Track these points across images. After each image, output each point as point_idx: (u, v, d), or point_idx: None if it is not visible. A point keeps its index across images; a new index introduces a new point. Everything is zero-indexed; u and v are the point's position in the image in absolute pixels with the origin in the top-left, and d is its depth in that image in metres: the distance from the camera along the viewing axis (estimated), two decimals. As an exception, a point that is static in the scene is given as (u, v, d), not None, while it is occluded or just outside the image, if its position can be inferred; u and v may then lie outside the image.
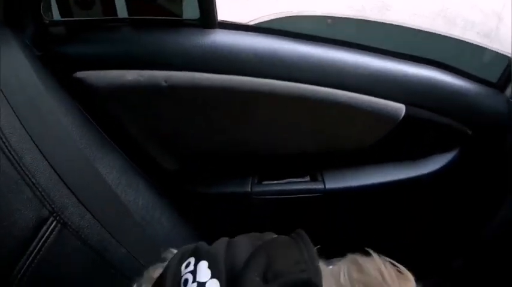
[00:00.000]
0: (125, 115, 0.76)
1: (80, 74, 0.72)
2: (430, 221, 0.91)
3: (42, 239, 0.54)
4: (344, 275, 0.48)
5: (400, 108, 0.74)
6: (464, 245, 0.72)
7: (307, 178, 0.86)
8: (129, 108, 0.76)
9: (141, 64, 0.71)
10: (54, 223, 0.55)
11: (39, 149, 0.57)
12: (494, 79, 0.78)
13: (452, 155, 0.80)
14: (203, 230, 0.87)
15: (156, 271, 0.58)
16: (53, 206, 0.56)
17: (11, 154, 0.53)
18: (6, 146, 0.52)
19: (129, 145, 0.77)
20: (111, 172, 0.68)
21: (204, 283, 0.50)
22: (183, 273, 0.53)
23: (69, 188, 0.59)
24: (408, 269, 0.54)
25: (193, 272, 0.52)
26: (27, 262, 0.52)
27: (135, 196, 0.71)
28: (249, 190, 0.83)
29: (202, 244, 0.59)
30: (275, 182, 0.85)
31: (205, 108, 0.76)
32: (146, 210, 0.72)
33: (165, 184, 0.83)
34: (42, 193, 0.55)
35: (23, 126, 0.56)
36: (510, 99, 0.76)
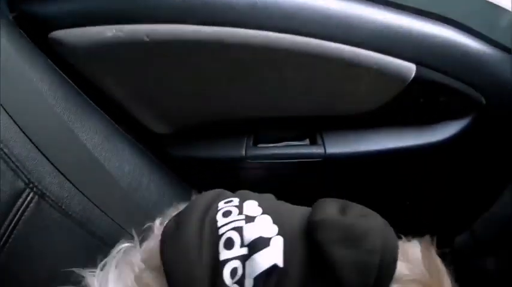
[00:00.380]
0: (106, 75, 0.70)
1: (55, 34, 0.65)
2: (435, 192, 0.86)
3: (18, 213, 0.51)
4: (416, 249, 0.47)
5: (410, 68, 0.66)
6: (471, 220, 0.68)
7: (307, 141, 0.80)
8: (110, 67, 0.69)
9: (120, 18, 0.64)
10: (30, 195, 0.52)
11: (11, 116, 0.53)
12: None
13: (464, 123, 0.73)
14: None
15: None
16: (28, 176, 0.53)
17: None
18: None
19: (113, 108, 0.72)
20: (93, 137, 0.64)
21: (254, 217, 0.45)
22: (221, 206, 0.47)
23: (45, 157, 0.55)
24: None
25: (239, 207, 0.46)
26: (3, 239, 0.49)
27: (120, 162, 0.67)
28: (244, 154, 0.78)
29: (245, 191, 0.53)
30: (271, 145, 0.80)
31: (194, 65, 0.69)
32: (133, 176, 0.68)
33: (153, 148, 0.79)
34: (16, 164, 0.52)
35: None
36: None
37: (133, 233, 0.52)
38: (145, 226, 0.53)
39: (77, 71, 0.68)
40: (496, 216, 0.62)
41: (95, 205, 0.60)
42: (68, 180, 0.57)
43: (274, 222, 0.44)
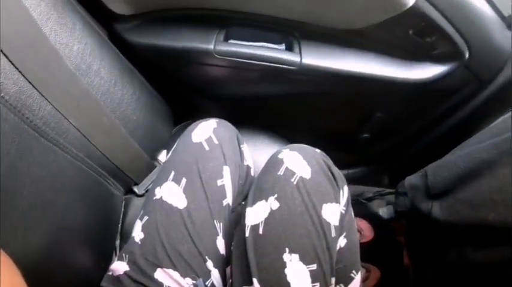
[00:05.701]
0: None
1: None
2: (397, 128, 0.87)
3: None
4: None
5: (410, -4, 0.59)
6: (424, 163, 0.70)
7: (282, 46, 0.73)
8: None
9: None
10: None
11: None
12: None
13: (442, 70, 0.71)
14: (154, 87, 0.77)
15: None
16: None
17: None
18: None
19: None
20: (38, 4, 0.51)
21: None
22: None
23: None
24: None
25: None
26: None
27: (68, 39, 0.55)
28: (212, 47, 0.70)
29: None
30: (245, 43, 0.72)
31: None
32: (82, 58, 0.57)
33: (108, 30, 0.67)
34: None
35: None
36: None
37: None
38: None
39: None
40: (449, 164, 0.61)
41: (34, 86, 0.49)
42: (3, 53, 0.45)
43: None
